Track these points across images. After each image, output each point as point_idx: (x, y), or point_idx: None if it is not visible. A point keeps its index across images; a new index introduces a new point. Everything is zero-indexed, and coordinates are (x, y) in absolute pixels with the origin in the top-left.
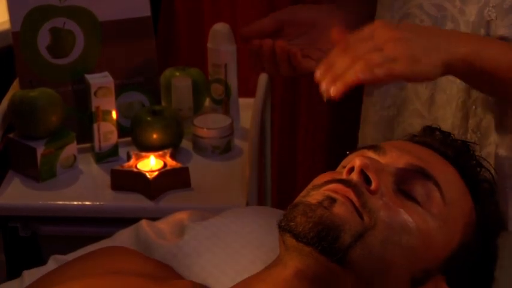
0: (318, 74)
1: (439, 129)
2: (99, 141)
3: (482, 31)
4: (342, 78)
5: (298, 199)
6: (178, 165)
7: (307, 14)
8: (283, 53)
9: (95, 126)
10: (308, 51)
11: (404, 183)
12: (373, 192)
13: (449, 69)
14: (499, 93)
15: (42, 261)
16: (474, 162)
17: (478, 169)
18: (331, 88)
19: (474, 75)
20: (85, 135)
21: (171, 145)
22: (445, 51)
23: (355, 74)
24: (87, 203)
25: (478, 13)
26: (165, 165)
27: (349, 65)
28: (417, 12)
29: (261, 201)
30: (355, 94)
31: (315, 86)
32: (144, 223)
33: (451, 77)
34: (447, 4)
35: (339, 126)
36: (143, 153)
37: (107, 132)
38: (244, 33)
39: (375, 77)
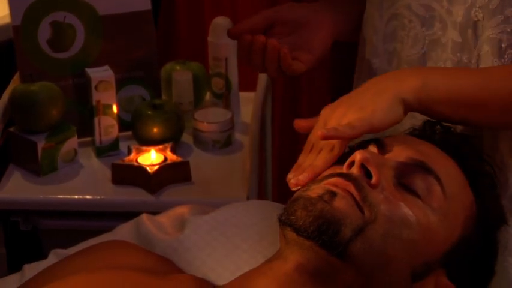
0: (291, 178)
1: (440, 123)
2: (100, 135)
3: (470, 32)
4: (312, 168)
5: (298, 193)
6: (179, 159)
7: (297, 13)
8: (274, 52)
9: (96, 120)
10: (297, 54)
11: (405, 177)
12: (373, 186)
13: (406, 106)
14: (481, 122)
15: (43, 255)
16: (475, 155)
17: (479, 162)
18: (298, 182)
19: (436, 107)
20: (86, 129)
21: (171, 139)
22: (393, 90)
23: (320, 162)
24: (87, 197)
25: (465, 14)
26: (165, 159)
27: (314, 157)
28: (405, 12)
29: (261, 196)
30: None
31: (316, 80)
32: (144, 217)
33: None
34: (435, 4)
35: None
36: (144, 147)
37: (107, 126)
38: (232, 31)
39: (339, 134)
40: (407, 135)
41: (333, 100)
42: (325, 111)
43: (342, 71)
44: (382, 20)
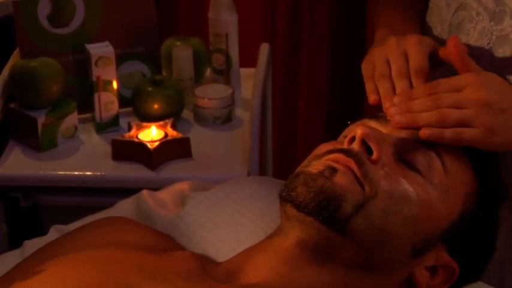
0: (395, 99)
1: None
2: (100, 111)
3: None
4: (413, 117)
5: (299, 169)
6: (179, 135)
7: None
8: None
9: (96, 96)
10: None
11: (406, 153)
12: (374, 162)
13: None
14: None
15: (43, 231)
16: None
17: None
18: (397, 116)
19: None
20: (86, 105)
21: (172, 115)
22: None
23: (424, 121)
24: (88, 173)
25: None
26: (166, 135)
27: (426, 108)
28: (474, 4)
29: (262, 172)
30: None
31: (316, 56)
32: (145, 193)
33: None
34: None
35: (341, 96)
36: (144, 124)
37: (107, 102)
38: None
39: (441, 138)
40: None
41: (331, 78)
42: (474, 79)
43: (341, 47)
44: (449, 9)
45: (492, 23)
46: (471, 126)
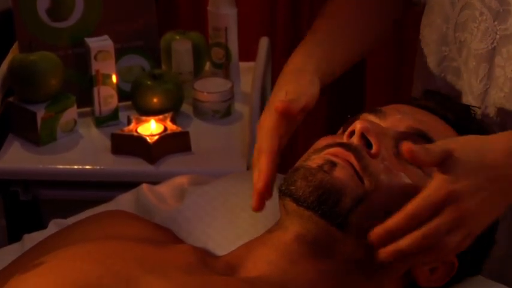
0: (375, 237)
1: (440, 93)
2: (99, 105)
3: None
4: (400, 247)
5: (298, 163)
6: (179, 129)
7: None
8: None
9: (95, 90)
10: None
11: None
12: (373, 156)
13: None
14: None
15: (43, 225)
16: (475, 125)
17: (480, 133)
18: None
19: None
20: (85, 99)
21: (171, 109)
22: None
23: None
24: (87, 167)
25: None
26: (165, 129)
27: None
28: (477, 4)
29: None
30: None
31: None
32: (144, 187)
33: (509, 74)
34: None
35: (341, 90)
36: (143, 117)
37: (107, 96)
38: None
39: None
40: (407, 105)
41: None
42: (447, 195)
43: None
44: (454, 8)
45: (496, 23)
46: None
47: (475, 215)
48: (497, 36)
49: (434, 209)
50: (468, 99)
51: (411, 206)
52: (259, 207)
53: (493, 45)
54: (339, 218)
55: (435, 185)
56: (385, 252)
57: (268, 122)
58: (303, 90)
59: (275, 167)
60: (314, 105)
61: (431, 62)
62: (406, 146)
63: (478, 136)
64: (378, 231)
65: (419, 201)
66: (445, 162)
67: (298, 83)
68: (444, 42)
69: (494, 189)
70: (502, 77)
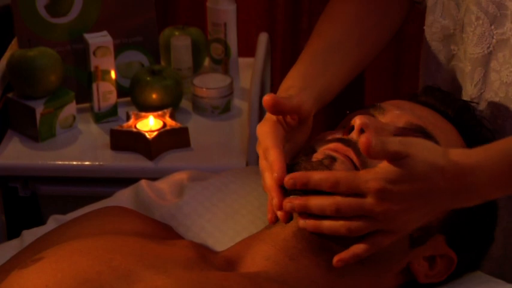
0: (291, 177)
1: (439, 89)
2: (99, 101)
3: None
4: (318, 225)
5: (298, 158)
6: (178, 125)
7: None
8: None
9: (94, 86)
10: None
11: None
12: None
13: None
14: None
15: (42, 221)
16: (474, 121)
17: (479, 129)
18: (301, 221)
19: None
20: (84, 95)
21: (170, 105)
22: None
23: (329, 231)
24: (86, 163)
25: None
26: (164, 125)
27: (330, 213)
28: (474, 8)
29: None
30: None
31: None
32: (143, 183)
33: (504, 79)
34: (508, 3)
35: None
36: (142, 113)
37: (106, 92)
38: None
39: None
40: (406, 101)
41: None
42: (375, 182)
43: None
44: (460, 9)
45: (493, 27)
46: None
47: (402, 216)
48: (494, 40)
49: (356, 189)
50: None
51: (341, 173)
52: (279, 203)
53: (489, 50)
54: None
55: (374, 173)
56: (306, 223)
57: (264, 126)
58: (293, 94)
59: (284, 159)
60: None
61: (439, 59)
62: (364, 138)
63: (437, 148)
64: (297, 175)
65: (351, 174)
66: (395, 162)
67: (288, 94)
68: (453, 41)
69: (424, 203)
70: (497, 81)
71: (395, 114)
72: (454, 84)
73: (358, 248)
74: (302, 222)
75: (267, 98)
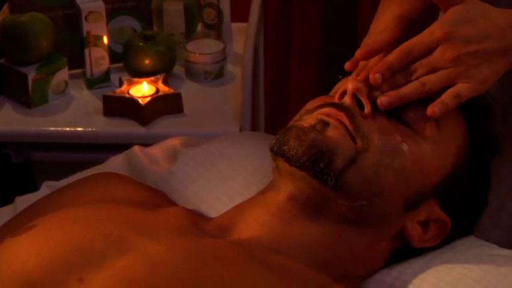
0: (375, 71)
1: None
2: (91, 67)
3: None
4: (398, 95)
5: (291, 123)
6: (171, 90)
7: None
8: None
9: (86, 51)
10: None
11: (397, 107)
12: (365, 116)
13: None
14: None
15: (35, 187)
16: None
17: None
18: (383, 98)
19: None
20: (76, 61)
21: (163, 71)
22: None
23: (410, 98)
24: (79, 129)
25: None
26: (157, 90)
27: (405, 83)
28: None
29: (254, 127)
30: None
31: (308, 8)
32: (136, 149)
33: None
34: None
35: (332, 48)
36: (135, 79)
37: (98, 57)
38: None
39: (447, 109)
40: None
41: (323, 33)
42: (443, 35)
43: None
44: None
45: None
46: (459, 83)
47: (471, 59)
48: None
49: (427, 47)
50: None
51: (407, 43)
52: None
53: None
54: (331, 178)
55: (433, 26)
56: (385, 98)
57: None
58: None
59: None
60: (306, 66)
61: None
62: None
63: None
64: (378, 67)
65: (415, 38)
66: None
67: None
68: None
69: (492, 46)
70: None
71: None
72: None
73: (444, 96)
74: (381, 100)
75: (359, 54)
